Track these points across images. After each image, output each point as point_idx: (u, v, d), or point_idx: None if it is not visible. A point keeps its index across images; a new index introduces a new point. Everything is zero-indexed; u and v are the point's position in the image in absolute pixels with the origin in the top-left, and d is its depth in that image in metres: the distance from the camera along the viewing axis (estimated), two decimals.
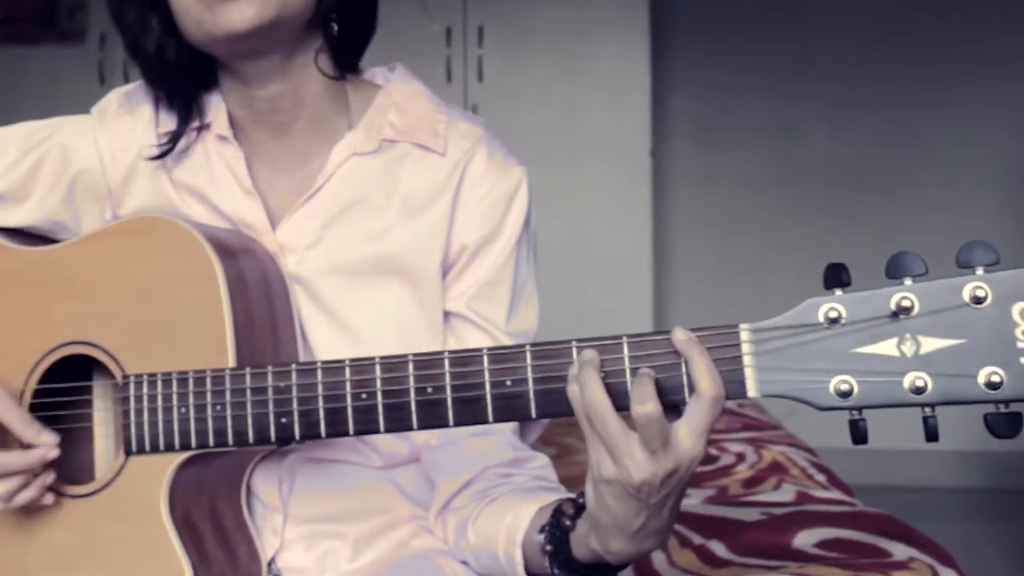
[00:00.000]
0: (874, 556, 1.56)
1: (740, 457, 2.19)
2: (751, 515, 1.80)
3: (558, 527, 0.98)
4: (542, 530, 0.99)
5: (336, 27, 1.13)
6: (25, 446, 1.07)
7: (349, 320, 1.13)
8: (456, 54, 3.85)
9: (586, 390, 0.86)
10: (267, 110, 1.14)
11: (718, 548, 1.66)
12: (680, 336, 0.86)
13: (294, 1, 1.07)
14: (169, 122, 1.18)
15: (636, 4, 3.82)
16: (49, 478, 1.07)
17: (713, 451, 2.22)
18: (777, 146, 4.34)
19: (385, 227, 1.15)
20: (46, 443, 1.06)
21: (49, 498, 1.08)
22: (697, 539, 1.72)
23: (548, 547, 0.98)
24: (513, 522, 1.03)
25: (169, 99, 1.17)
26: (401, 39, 3.98)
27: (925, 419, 0.83)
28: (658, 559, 1.66)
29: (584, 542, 0.95)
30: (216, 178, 1.17)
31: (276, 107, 1.14)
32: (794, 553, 1.61)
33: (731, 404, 2.61)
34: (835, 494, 1.94)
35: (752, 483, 2.04)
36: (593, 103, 3.82)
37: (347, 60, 1.17)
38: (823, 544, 1.63)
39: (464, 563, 1.13)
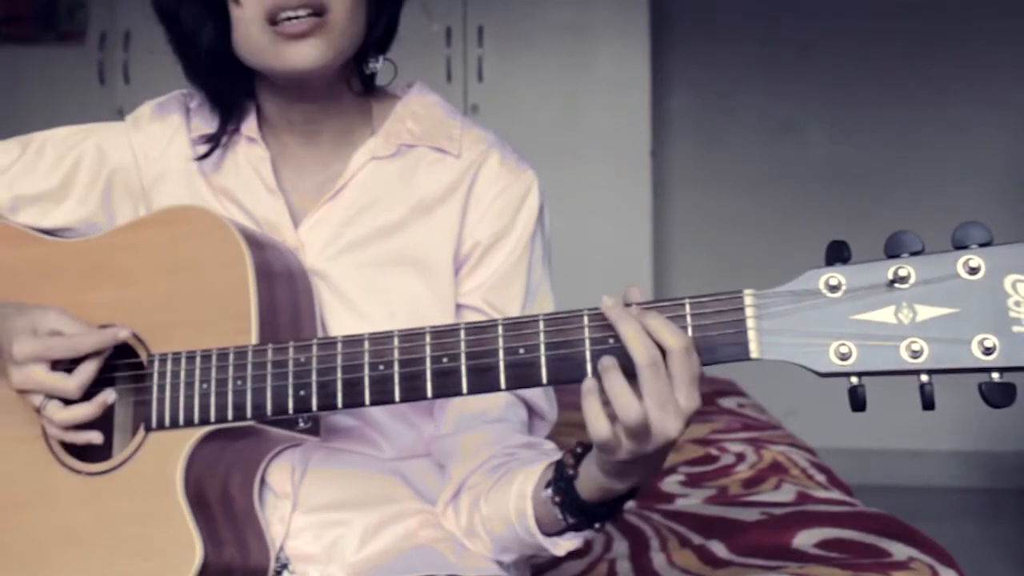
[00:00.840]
0: (874, 556, 1.56)
1: (740, 457, 2.19)
2: (751, 515, 1.80)
3: (562, 478, 1.02)
4: (548, 485, 1.04)
5: (376, 62, 1.21)
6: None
7: (366, 310, 1.18)
8: (456, 54, 3.85)
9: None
10: (301, 120, 1.22)
11: (718, 548, 1.67)
12: (606, 303, 0.93)
13: (350, 43, 1.15)
14: (202, 126, 1.25)
15: (636, 4, 3.82)
16: (110, 396, 1.10)
17: (713, 451, 2.22)
18: (777, 146, 4.33)
19: (400, 224, 1.21)
20: (112, 331, 1.09)
21: (97, 436, 1.10)
22: (697, 539, 1.72)
23: (556, 498, 1.03)
24: (521, 486, 1.08)
25: (212, 101, 1.23)
26: (401, 39, 3.98)
27: (922, 387, 0.86)
28: (658, 559, 1.66)
29: (590, 483, 1.00)
30: (244, 179, 1.23)
31: (309, 118, 1.22)
32: (794, 553, 1.61)
33: (731, 404, 2.61)
34: (835, 494, 1.94)
35: (752, 483, 2.04)
36: (593, 103, 3.82)
37: (379, 52, 1.23)
38: (823, 544, 1.63)
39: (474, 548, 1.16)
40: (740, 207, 4.35)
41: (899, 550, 1.57)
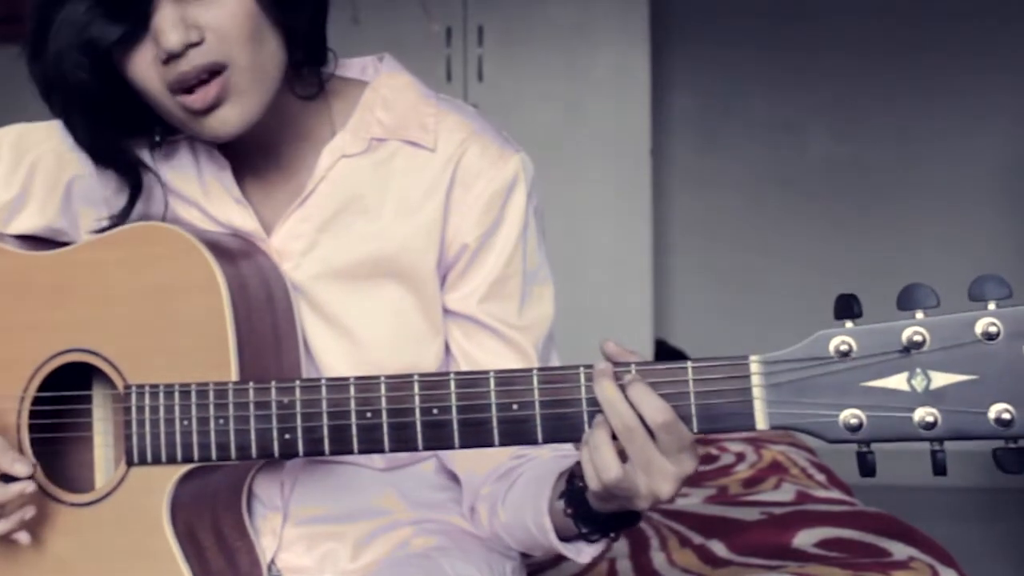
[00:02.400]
0: (874, 556, 1.56)
1: (740, 457, 2.19)
2: (751, 515, 1.80)
3: (573, 490, 1.00)
4: (561, 496, 1.01)
5: (302, 54, 1.09)
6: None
7: (348, 324, 1.13)
8: (456, 54, 3.85)
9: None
10: (249, 139, 1.09)
11: (718, 548, 1.67)
12: (598, 365, 0.90)
13: (270, 84, 1.05)
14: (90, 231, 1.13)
15: (636, 4, 3.82)
16: (28, 513, 1.04)
17: (713, 451, 2.22)
18: (777, 146, 4.34)
19: (379, 228, 1.13)
20: (21, 474, 1.03)
21: (25, 537, 1.05)
22: (697, 539, 1.72)
23: (569, 510, 1.00)
24: (536, 499, 1.05)
25: (117, 170, 1.12)
26: (401, 39, 3.98)
27: (934, 453, 0.84)
28: (658, 559, 1.66)
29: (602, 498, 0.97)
30: (206, 188, 1.15)
31: (255, 137, 1.10)
32: (794, 553, 1.61)
33: None
34: (835, 494, 1.94)
35: (752, 483, 2.04)
36: (593, 103, 3.82)
37: (314, 64, 1.13)
38: (823, 544, 1.63)
39: (504, 546, 1.15)
40: (740, 207, 4.35)
41: (899, 550, 1.57)
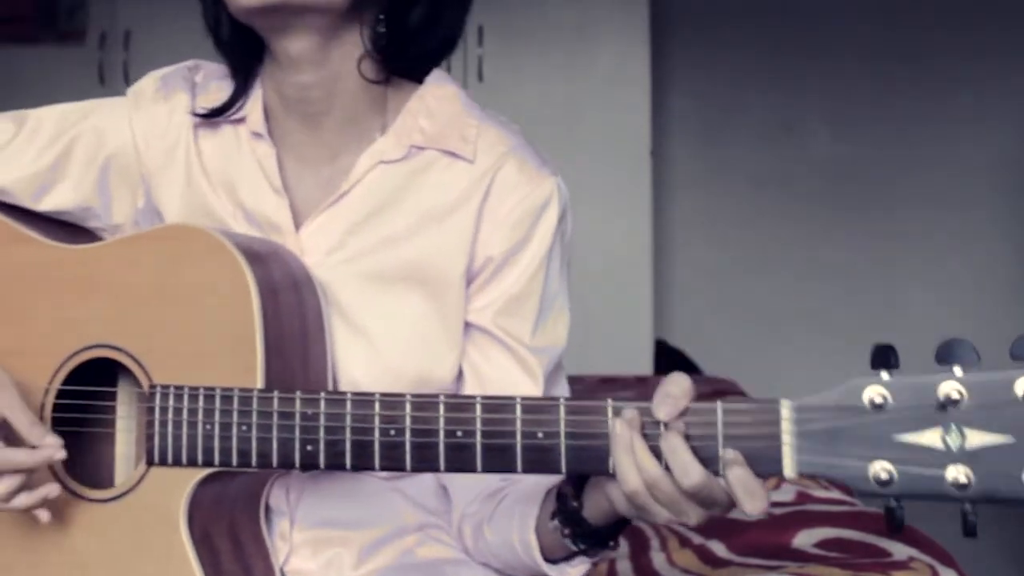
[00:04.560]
0: (874, 556, 1.56)
1: None
2: None
3: (566, 511, 0.99)
4: (553, 516, 1.00)
5: (384, 30, 1.10)
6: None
7: (367, 327, 1.12)
8: (456, 54, 3.83)
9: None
10: (297, 97, 1.12)
11: (718, 548, 1.67)
12: (618, 425, 0.88)
13: (334, 14, 1.06)
14: (209, 103, 1.17)
15: (636, 4, 3.82)
16: (54, 491, 1.05)
17: None
18: (777, 146, 4.33)
19: (408, 234, 1.13)
20: (50, 445, 1.04)
21: (45, 515, 1.06)
22: (697, 539, 1.72)
23: (566, 531, 0.99)
24: (524, 513, 1.04)
25: (233, 72, 1.16)
26: None
27: (964, 514, 0.81)
28: (658, 559, 1.66)
29: (600, 512, 0.97)
30: (244, 172, 1.16)
31: (306, 96, 1.12)
32: (794, 553, 1.61)
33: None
34: (835, 494, 1.94)
35: None
36: (593, 103, 3.82)
37: (398, 66, 1.14)
38: (823, 544, 1.63)
39: (484, 565, 1.14)
40: (740, 207, 4.35)
41: (899, 550, 1.57)
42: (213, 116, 1.16)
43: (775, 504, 1.87)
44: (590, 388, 2.97)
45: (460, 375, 1.15)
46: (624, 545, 1.71)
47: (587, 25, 3.83)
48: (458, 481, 1.15)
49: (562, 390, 1.17)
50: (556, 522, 1.00)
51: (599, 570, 1.62)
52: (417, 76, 1.16)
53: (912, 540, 1.61)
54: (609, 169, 3.83)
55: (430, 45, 1.15)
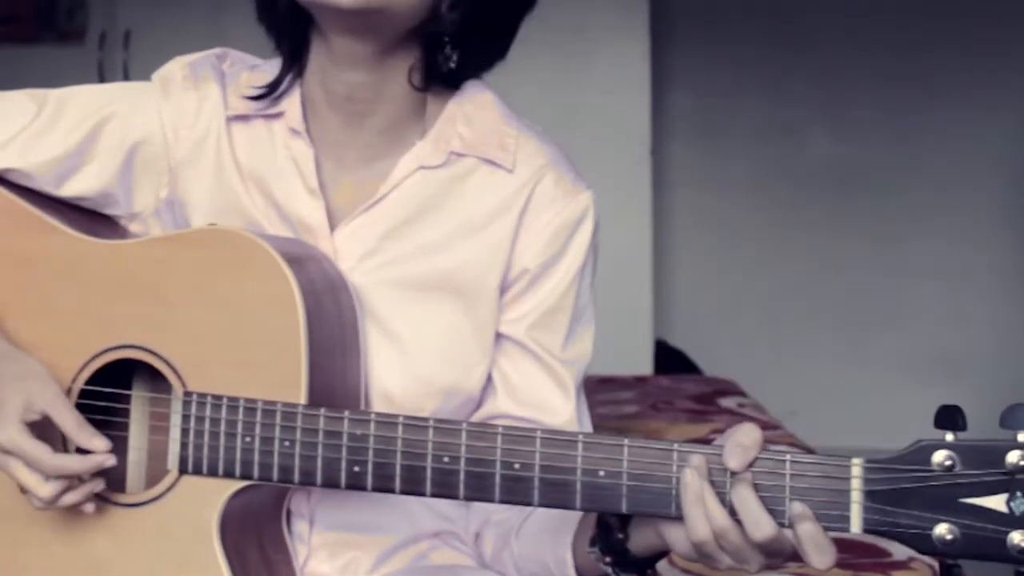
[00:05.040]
0: (874, 556, 1.56)
1: None
2: None
3: (609, 540, 0.98)
4: (593, 543, 0.99)
5: (450, 50, 1.10)
6: (76, 448, 1.04)
7: (399, 333, 1.11)
8: None
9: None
10: (344, 95, 1.10)
11: None
12: (687, 476, 0.88)
13: (410, 11, 1.05)
14: (240, 91, 1.14)
15: (636, 4, 3.81)
16: (99, 486, 1.04)
17: None
18: (777, 146, 4.33)
19: (444, 242, 1.11)
20: (99, 449, 1.02)
21: (90, 507, 1.04)
22: None
23: (607, 559, 0.98)
24: (559, 529, 1.03)
25: (277, 43, 1.13)
26: None
27: (1019, 574, 0.83)
28: None
29: (647, 545, 0.96)
30: (279, 170, 1.13)
31: (353, 95, 1.10)
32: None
33: (731, 404, 2.60)
34: None
35: None
36: (593, 103, 3.82)
37: (446, 78, 1.14)
38: None
39: (500, 574, 1.13)
40: (740, 207, 4.35)
41: (899, 550, 1.57)
42: (264, 97, 1.13)
43: None
44: (590, 388, 2.96)
45: (487, 384, 1.14)
46: None
47: (587, 25, 3.83)
48: None
49: (583, 401, 1.17)
50: (596, 551, 0.99)
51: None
52: (454, 82, 1.16)
53: None
54: (609, 169, 3.82)
55: (483, 63, 1.18)
